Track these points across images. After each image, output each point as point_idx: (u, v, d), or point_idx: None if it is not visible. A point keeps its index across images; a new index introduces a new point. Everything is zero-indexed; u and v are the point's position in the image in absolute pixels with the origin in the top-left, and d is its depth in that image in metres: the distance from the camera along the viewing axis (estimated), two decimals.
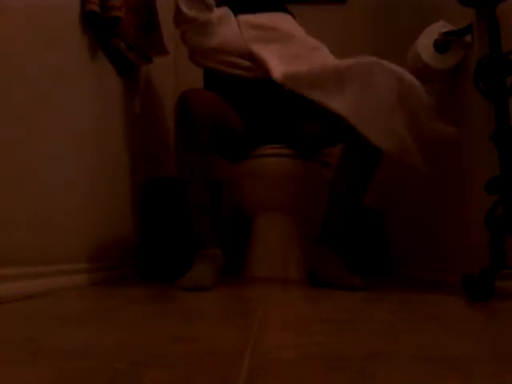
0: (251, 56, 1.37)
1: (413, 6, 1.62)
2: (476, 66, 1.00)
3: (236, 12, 1.45)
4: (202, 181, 1.15)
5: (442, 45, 1.17)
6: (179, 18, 1.31)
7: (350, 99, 1.08)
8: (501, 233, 0.88)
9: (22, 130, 0.85)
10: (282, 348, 0.46)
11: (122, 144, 1.43)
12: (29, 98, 0.88)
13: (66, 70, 1.04)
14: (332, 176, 1.25)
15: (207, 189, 1.16)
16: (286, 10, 1.57)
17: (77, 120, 1.10)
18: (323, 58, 1.38)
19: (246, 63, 1.38)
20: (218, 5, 1.38)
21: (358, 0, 2.26)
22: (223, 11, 1.39)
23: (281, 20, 1.47)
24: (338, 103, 1.10)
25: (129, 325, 0.58)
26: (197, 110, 1.13)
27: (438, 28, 1.17)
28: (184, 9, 1.28)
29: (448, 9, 1.22)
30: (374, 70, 1.06)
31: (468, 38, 1.13)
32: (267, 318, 0.64)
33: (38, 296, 0.83)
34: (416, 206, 1.57)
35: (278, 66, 1.31)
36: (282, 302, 0.89)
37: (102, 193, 1.26)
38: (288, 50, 1.37)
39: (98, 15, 1.13)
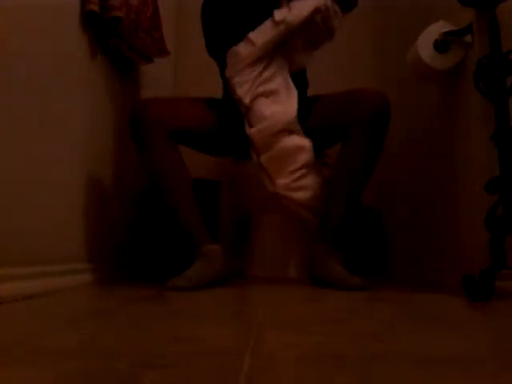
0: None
1: (412, 6, 1.62)
2: (476, 66, 0.99)
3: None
4: (175, 181, 1.16)
5: (442, 45, 1.17)
6: None
7: None
8: (501, 233, 0.88)
9: (21, 130, 0.85)
10: (282, 348, 0.46)
11: (122, 144, 1.43)
12: (28, 98, 0.87)
13: (65, 69, 1.03)
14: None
15: (183, 188, 1.17)
16: None
17: (77, 120, 1.10)
18: None
19: None
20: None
21: (358, 0, 2.25)
22: None
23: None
24: None
25: (129, 325, 0.58)
26: (148, 113, 1.14)
27: (438, 28, 1.17)
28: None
29: (448, 9, 1.22)
30: None
31: (468, 38, 1.13)
32: (267, 318, 0.64)
33: (38, 296, 0.83)
34: (416, 206, 1.57)
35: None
36: (282, 301, 0.89)
37: (102, 193, 1.26)
38: None
39: (97, 15, 1.13)
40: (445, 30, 1.16)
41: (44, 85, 0.93)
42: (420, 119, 1.52)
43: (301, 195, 1.21)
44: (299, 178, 1.21)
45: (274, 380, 0.35)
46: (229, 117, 1.32)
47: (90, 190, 1.17)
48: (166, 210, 1.52)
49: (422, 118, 1.50)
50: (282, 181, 1.21)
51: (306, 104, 1.35)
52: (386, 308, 0.79)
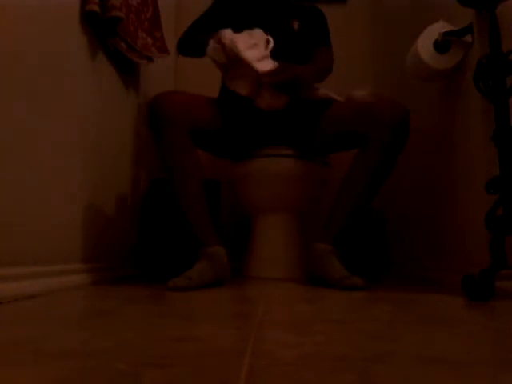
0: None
1: (412, 5, 1.62)
2: (476, 66, 1.00)
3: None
4: (190, 180, 1.16)
5: (442, 45, 1.17)
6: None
7: None
8: (501, 233, 0.88)
9: (22, 131, 0.85)
10: (282, 348, 0.46)
11: (122, 144, 1.43)
12: (29, 98, 0.88)
13: (66, 70, 1.04)
14: (334, 175, 1.25)
15: (197, 187, 1.16)
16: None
17: (77, 120, 1.10)
18: None
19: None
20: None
21: (359, 0, 2.26)
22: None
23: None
24: None
25: (129, 325, 0.58)
26: (168, 111, 1.13)
27: (438, 28, 1.17)
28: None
29: (448, 9, 1.22)
30: None
31: (468, 38, 1.13)
32: (267, 317, 0.64)
33: (39, 296, 0.83)
34: (416, 206, 1.57)
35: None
36: (282, 301, 0.89)
37: (103, 193, 1.26)
38: None
39: (98, 15, 1.13)
40: (445, 30, 1.16)
41: (44, 85, 0.93)
42: (420, 119, 1.52)
43: (262, 65, 1.16)
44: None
45: (274, 380, 0.35)
46: (230, 116, 1.33)
47: (90, 190, 1.17)
48: (167, 209, 1.52)
49: (422, 118, 1.50)
50: (247, 53, 1.16)
51: (314, 105, 1.33)
52: (386, 308, 0.79)
